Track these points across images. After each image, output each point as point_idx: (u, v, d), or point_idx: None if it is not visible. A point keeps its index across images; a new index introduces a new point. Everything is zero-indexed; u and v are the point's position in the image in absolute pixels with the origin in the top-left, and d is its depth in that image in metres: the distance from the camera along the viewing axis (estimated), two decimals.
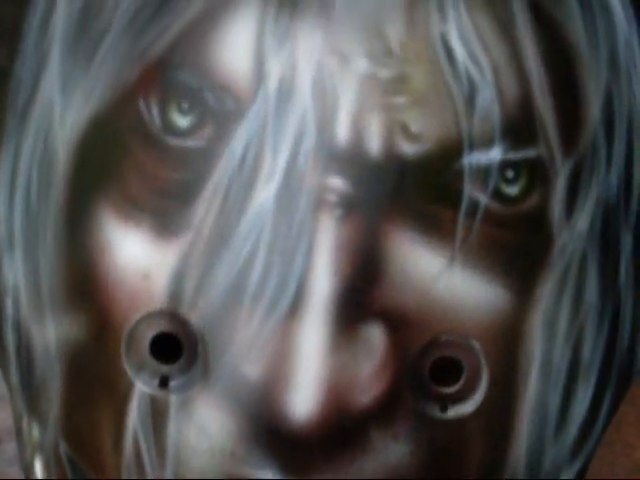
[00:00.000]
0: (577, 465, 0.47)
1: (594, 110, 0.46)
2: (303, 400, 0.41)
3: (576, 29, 0.45)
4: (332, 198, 0.42)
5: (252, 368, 0.42)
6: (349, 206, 0.42)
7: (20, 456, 0.48)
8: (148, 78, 0.44)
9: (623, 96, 0.47)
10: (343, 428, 0.42)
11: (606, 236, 0.46)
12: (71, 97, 0.46)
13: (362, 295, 0.42)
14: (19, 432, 0.48)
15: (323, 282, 0.41)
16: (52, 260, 0.46)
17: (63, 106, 0.46)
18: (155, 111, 0.44)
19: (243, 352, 0.42)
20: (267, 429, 0.42)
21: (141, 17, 0.45)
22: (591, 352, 0.46)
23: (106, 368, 0.45)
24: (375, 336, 0.42)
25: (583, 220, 0.45)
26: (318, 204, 0.42)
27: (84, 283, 0.45)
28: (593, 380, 0.47)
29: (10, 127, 0.48)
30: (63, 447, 0.47)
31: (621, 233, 0.47)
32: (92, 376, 0.45)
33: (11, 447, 0.51)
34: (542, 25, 0.44)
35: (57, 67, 0.46)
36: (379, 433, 0.43)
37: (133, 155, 0.44)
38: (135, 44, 0.44)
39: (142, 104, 0.44)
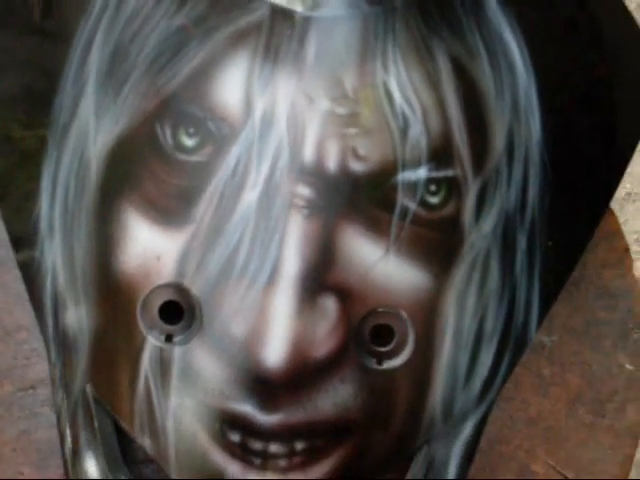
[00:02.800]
0: (480, 411, 0.61)
1: (499, 143, 0.60)
2: (274, 352, 0.55)
3: (486, 81, 0.60)
4: (300, 202, 0.56)
5: (237, 327, 0.56)
6: (312, 209, 0.56)
7: (53, 398, 0.61)
8: (163, 109, 0.58)
9: (522, 133, 0.61)
10: (303, 374, 0.56)
11: (505, 237, 0.60)
12: (102, 121, 0.59)
13: (320, 274, 0.56)
14: (53, 379, 0.61)
15: (291, 263, 0.55)
16: (84, 245, 0.59)
17: (96, 128, 0.60)
18: (168, 134, 0.58)
19: (231, 315, 0.56)
20: (247, 374, 0.56)
21: (159, 63, 0.58)
22: (493, 325, 0.60)
23: (125, 327, 0.58)
24: (329, 305, 0.56)
25: (487, 225, 0.60)
26: (289, 206, 0.56)
27: (109, 262, 0.58)
28: (494, 346, 0.61)
29: (51, 143, 0.62)
30: (89, 389, 0.60)
31: (517, 235, 0.61)
32: (114, 333, 0.58)
33: (43, 392, 0.63)
34: (460, 78, 0.59)
35: (92, 97, 0.60)
36: (330, 378, 0.57)
37: (149, 166, 0.58)
38: (153, 83, 0.58)
39: (158, 128, 0.58)
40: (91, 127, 0.60)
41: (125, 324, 0.58)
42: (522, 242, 0.61)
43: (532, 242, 0.62)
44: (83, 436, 0.60)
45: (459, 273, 0.59)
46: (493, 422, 0.63)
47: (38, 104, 0.63)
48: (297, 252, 0.56)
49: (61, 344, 0.61)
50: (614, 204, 0.68)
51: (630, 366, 0.65)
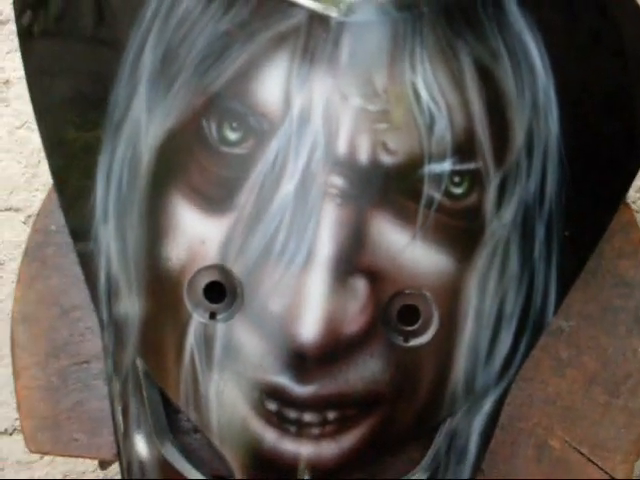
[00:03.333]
0: (500, 388, 0.65)
1: (519, 139, 0.64)
2: (309, 328, 0.60)
3: (508, 81, 0.64)
4: (334, 192, 0.61)
5: (275, 305, 0.61)
6: (345, 197, 0.61)
7: (105, 371, 0.66)
8: (209, 105, 0.63)
9: (541, 130, 0.65)
10: (335, 348, 0.60)
11: (525, 227, 0.65)
12: (153, 117, 0.65)
13: (351, 257, 0.61)
14: (105, 355, 0.66)
15: (325, 247, 0.60)
16: (136, 230, 0.65)
17: (147, 123, 0.65)
18: (214, 128, 0.63)
19: (269, 294, 0.61)
20: (284, 348, 0.60)
21: (205, 64, 0.64)
22: (512, 307, 0.65)
23: (172, 305, 0.63)
24: (359, 286, 0.61)
25: (508, 214, 0.64)
26: (324, 195, 0.61)
27: (158, 246, 0.64)
28: (513, 327, 0.65)
29: (106, 137, 0.67)
30: (139, 363, 0.65)
31: (536, 225, 0.65)
32: (162, 312, 0.64)
33: (96, 367, 0.68)
34: (483, 77, 0.63)
35: (144, 96, 0.65)
36: (360, 353, 0.61)
37: (196, 158, 0.63)
38: (200, 82, 0.64)
39: (204, 123, 0.63)
40: (143, 122, 0.65)
41: (173, 303, 0.64)
42: (540, 231, 0.66)
43: (550, 232, 0.66)
44: (133, 406, 0.65)
45: (481, 258, 0.64)
46: (513, 401, 0.68)
47: (90, 106, 0.68)
48: (331, 237, 0.60)
49: (113, 323, 0.66)
50: (629, 197, 0.72)
51: None
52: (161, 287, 0.64)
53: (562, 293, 0.67)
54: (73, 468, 1.09)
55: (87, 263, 0.67)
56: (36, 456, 1.09)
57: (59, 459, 1.06)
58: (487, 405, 0.65)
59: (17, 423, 1.44)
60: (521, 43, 0.65)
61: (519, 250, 0.65)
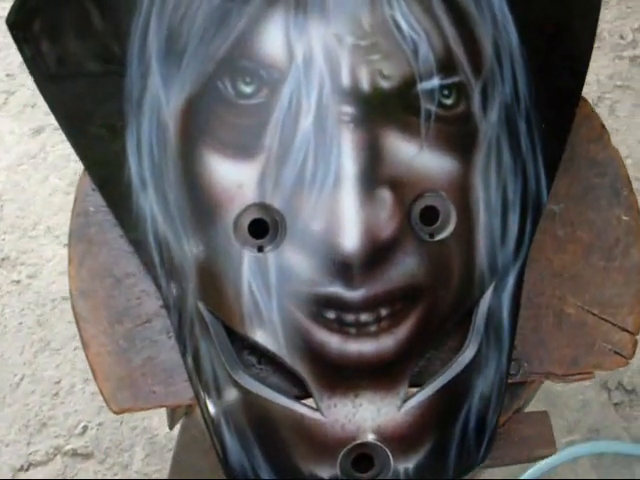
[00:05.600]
0: (518, 265, 0.74)
1: (488, 50, 0.74)
2: (350, 238, 0.67)
3: (469, 3, 0.74)
4: (346, 119, 0.69)
5: (316, 225, 0.68)
6: (357, 122, 0.69)
7: (171, 321, 0.73)
8: (220, 68, 0.71)
9: (504, 41, 0.75)
10: (375, 253, 0.68)
11: (509, 124, 0.74)
12: (171, 90, 0.72)
13: (373, 171, 0.69)
14: (167, 306, 0.73)
15: (350, 167, 0.68)
16: (175, 189, 0.72)
17: (166, 96, 0.72)
18: (229, 86, 0.71)
19: (309, 217, 0.69)
20: (331, 260, 0.68)
21: (209, 34, 0.71)
22: (513, 194, 0.74)
23: (223, 246, 0.70)
24: (384, 195, 0.69)
25: (493, 115, 0.74)
26: (339, 123, 0.69)
27: (199, 197, 0.71)
28: (517, 210, 0.74)
29: (129, 113, 0.74)
30: (201, 305, 0.72)
31: (518, 121, 0.75)
32: (214, 254, 0.71)
33: (158, 323, 0.73)
34: (448, 3, 0.73)
35: (157, 74, 0.73)
36: (397, 253, 0.69)
37: (218, 115, 0.71)
38: (207, 51, 0.71)
39: (219, 84, 0.71)
40: (162, 97, 0.73)
41: (222, 244, 0.71)
42: (522, 127, 0.75)
43: (530, 126, 0.75)
44: (202, 346, 0.71)
45: (479, 156, 0.73)
46: (527, 280, 0.76)
47: (106, 96, 0.75)
48: (353, 157, 0.69)
49: (170, 274, 0.72)
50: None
51: (625, 217, 0.79)
52: (208, 233, 0.71)
53: (551, 176, 0.76)
54: None
55: (133, 231, 0.74)
56: None
57: None
58: (510, 282, 0.74)
59: (31, 458, 1.49)
60: None
61: (509, 145, 0.74)
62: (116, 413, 0.73)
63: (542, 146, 0.76)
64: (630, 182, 0.80)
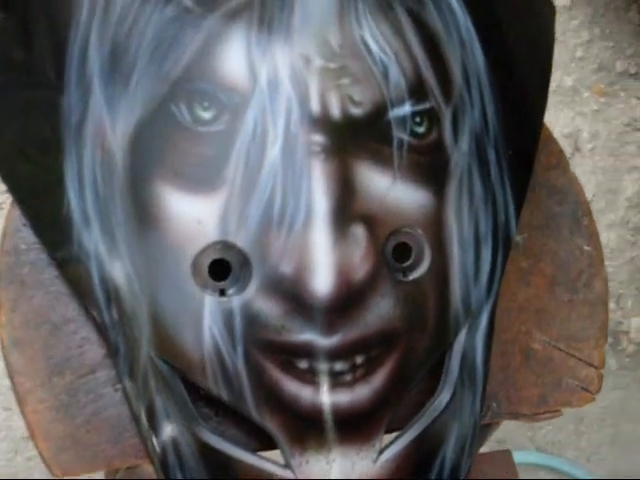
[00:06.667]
0: (490, 302, 0.70)
1: (457, 74, 0.70)
2: (323, 281, 0.62)
3: (436, 23, 0.69)
4: (317, 149, 0.63)
5: (286, 266, 0.62)
6: (328, 152, 0.63)
7: (119, 374, 0.65)
8: (174, 90, 0.64)
9: (471, 64, 0.71)
10: (350, 295, 0.63)
11: (479, 152, 0.70)
12: (116, 113, 0.64)
13: (346, 207, 0.63)
14: (115, 358, 0.65)
15: (322, 202, 0.62)
16: (124, 226, 0.64)
17: (112, 120, 0.64)
18: (185, 111, 0.63)
19: (278, 257, 0.62)
20: (303, 305, 0.62)
21: (160, 51, 0.64)
22: (484, 226, 0.70)
23: (180, 290, 0.63)
24: (358, 232, 0.63)
25: (464, 144, 0.69)
26: (309, 154, 0.63)
27: (153, 235, 0.63)
28: (489, 244, 0.70)
29: (67, 138, 0.65)
30: (156, 356, 0.64)
31: (487, 149, 0.71)
32: (171, 298, 0.63)
33: (102, 374, 0.65)
34: (416, 23, 0.68)
35: (100, 94, 0.65)
36: (372, 295, 0.64)
37: (173, 142, 0.64)
38: (159, 70, 0.64)
39: (174, 108, 0.64)
40: (106, 120, 0.65)
41: (180, 288, 0.63)
42: (492, 155, 0.71)
43: (498, 154, 0.72)
44: (157, 400, 0.64)
45: (452, 188, 0.68)
46: None
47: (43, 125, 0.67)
48: (324, 192, 0.63)
49: (119, 322, 0.65)
50: None
51: (587, 247, 0.77)
52: (164, 275, 0.64)
53: (518, 206, 0.73)
54: None
55: (73, 272, 0.66)
56: None
57: None
58: (484, 321, 0.70)
59: None
60: None
61: (479, 175, 0.70)
62: (59, 477, 0.65)
63: (510, 175, 0.72)
64: (590, 210, 0.78)
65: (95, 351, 0.67)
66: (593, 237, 0.77)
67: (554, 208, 0.77)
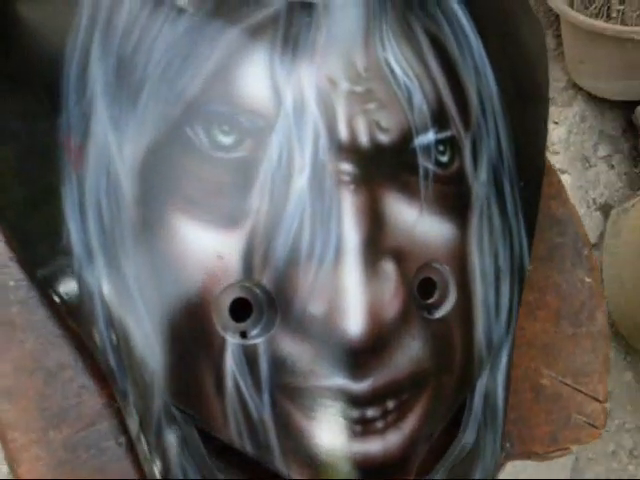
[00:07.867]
0: (509, 339, 0.67)
1: (474, 101, 0.67)
2: (355, 322, 0.57)
3: (453, 48, 0.66)
4: (346, 178, 0.58)
5: (315, 306, 0.57)
6: (357, 182, 0.59)
7: (128, 425, 0.58)
8: (190, 112, 0.58)
9: (485, 90, 0.68)
10: (382, 336, 0.58)
11: (496, 182, 0.67)
12: (124, 135, 0.58)
13: (376, 241, 0.59)
14: (122, 407, 0.58)
15: (352, 236, 0.58)
16: (134, 261, 0.57)
17: (118, 144, 0.58)
18: (202, 134, 0.58)
19: (306, 297, 0.57)
20: (334, 348, 0.57)
21: (172, 68, 0.58)
22: (503, 260, 0.67)
23: (200, 331, 0.57)
24: (388, 268, 0.59)
25: (483, 174, 0.66)
26: (338, 184, 0.58)
27: (170, 272, 0.57)
28: (508, 279, 0.67)
29: (67, 165, 0.58)
30: (172, 406, 0.58)
31: (503, 179, 0.68)
32: (189, 340, 0.57)
33: (103, 426, 0.59)
34: (435, 46, 0.65)
35: (105, 113, 0.58)
36: (403, 335, 0.60)
37: (188, 169, 0.58)
38: (172, 89, 0.58)
39: (189, 131, 0.58)
40: (112, 144, 0.58)
41: (199, 329, 0.57)
42: (507, 185, 0.69)
43: (512, 184, 0.69)
44: (172, 454, 0.58)
45: (474, 220, 0.65)
46: None
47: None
48: (355, 225, 0.58)
49: (128, 368, 0.58)
50: None
51: (588, 279, 0.75)
52: (183, 315, 0.57)
53: (530, 237, 0.70)
54: None
55: (72, 312, 0.59)
56: None
57: None
58: (504, 359, 0.67)
59: None
60: (452, 11, 0.67)
61: (497, 206, 0.67)
62: None
63: (522, 206, 0.70)
64: (589, 241, 0.76)
65: (94, 400, 0.60)
66: (593, 269, 0.76)
67: (556, 239, 0.76)
